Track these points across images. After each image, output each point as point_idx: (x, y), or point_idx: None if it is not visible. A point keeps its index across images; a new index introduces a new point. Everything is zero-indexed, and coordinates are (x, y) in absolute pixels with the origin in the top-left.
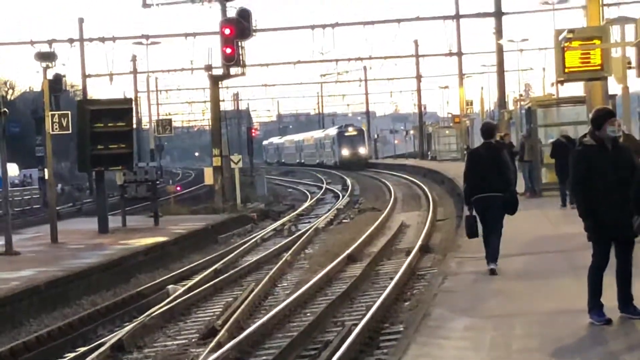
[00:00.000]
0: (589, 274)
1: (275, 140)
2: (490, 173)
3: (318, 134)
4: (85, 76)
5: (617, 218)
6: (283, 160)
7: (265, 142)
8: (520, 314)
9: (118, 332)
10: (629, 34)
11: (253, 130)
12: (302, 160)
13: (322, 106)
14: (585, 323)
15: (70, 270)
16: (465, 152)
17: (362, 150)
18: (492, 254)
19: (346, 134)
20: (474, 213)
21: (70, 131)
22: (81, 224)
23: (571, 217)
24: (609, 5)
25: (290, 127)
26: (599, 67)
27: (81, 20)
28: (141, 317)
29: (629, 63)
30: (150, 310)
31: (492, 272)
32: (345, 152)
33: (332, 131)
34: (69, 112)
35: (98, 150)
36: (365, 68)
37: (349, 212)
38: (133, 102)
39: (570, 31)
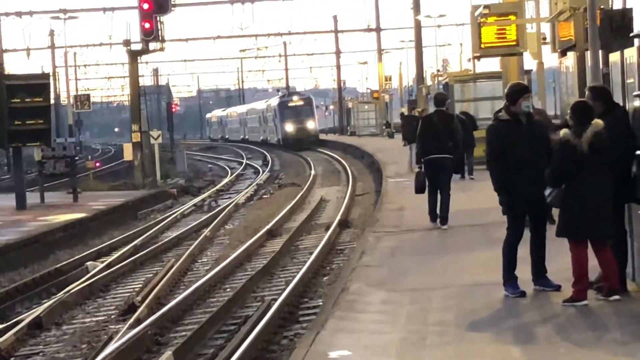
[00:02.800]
0: (503, 248)
1: (219, 112)
2: (441, 137)
3: (261, 104)
4: (1, 51)
5: (531, 192)
6: (227, 137)
7: (208, 115)
8: (437, 288)
9: (36, 309)
10: (544, 10)
11: (173, 106)
12: (247, 137)
13: (242, 82)
14: (500, 296)
15: None
16: (384, 127)
17: (311, 125)
18: (443, 212)
19: (290, 104)
20: (424, 172)
21: None
22: None
23: (487, 190)
24: None
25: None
26: (514, 43)
27: None
28: (60, 294)
29: (544, 39)
30: (69, 287)
31: (438, 226)
32: (290, 127)
33: (274, 101)
34: None
35: (15, 126)
36: (284, 43)
37: (269, 188)
38: (51, 78)
39: (486, 7)
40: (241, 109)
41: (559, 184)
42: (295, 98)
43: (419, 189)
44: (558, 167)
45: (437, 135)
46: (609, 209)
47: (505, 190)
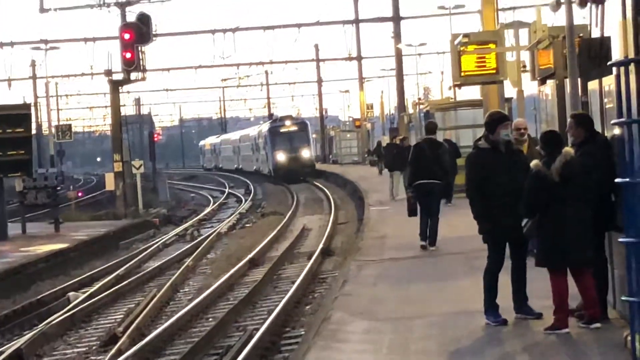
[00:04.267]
0: (484, 276)
1: (213, 139)
2: (431, 163)
3: (254, 130)
4: None
5: (511, 221)
6: (221, 166)
7: (201, 143)
8: (419, 316)
9: (17, 340)
10: (523, 38)
11: (155, 135)
12: (240, 166)
13: (224, 110)
14: (482, 324)
15: None
16: (366, 155)
17: (306, 153)
18: (432, 235)
19: (281, 129)
20: (414, 196)
21: None
22: None
23: (468, 218)
24: (504, 9)
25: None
26: (494, 71)
27: None
28: (41, 325)
29: (524, 67)
30: (51, 318)
31: (424, 247)
32: (281, 156)
33: (265, 126)
34: None
35: None
36: (266, 72)
37: (252, 217)
38: (32, 108)
39: (466, 35)
40: (235, 135)
41: (532, 214)
42: (287, 123)
43: (411, 212)
44: (530, 198)
45: (426, 161)
46: (586, 237)
47: (484, 218)
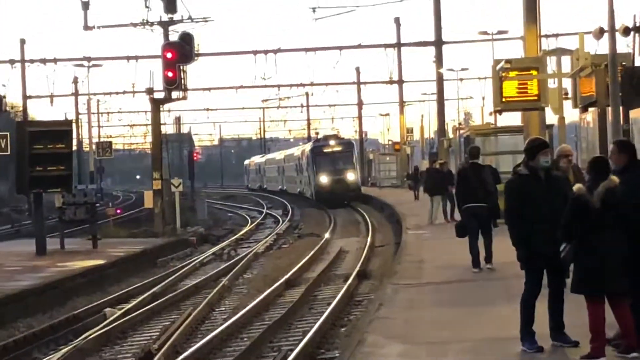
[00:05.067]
0: (521, 302)
1: (257, 159)
2: (475, 187)
3: (298, 150)
4: (25, 97)
5: (549, 247)
6: (265, 186)
7: (246, 162)
8: (454, 341)
9: (53, 355)
10: (566, 66)
11: (194, 154)
12: (284, 187)
13: (264, 131)
14: (517, 350)
15: (6, 292)
16: (405, 179)
17: (351, 176)
18: (488, 255)
19: (325, 149)
20: (463, 219)
21: (9, 152)
22: (19, 246)
23: (506, 245)
24: (547, 36)
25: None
26: (535, 98)
27: (22, 41)
28: (77, 340)
29: (565, 94)
30: (86, 333)
31: (477, 267)
32: (324, 178)
33: (308, 146)
34: (8, 134)
35: (37, 172)
36: (307, 94)
37: (289, 237)
38: (73, 124)
39: (508, 61)
40: (280, 155)
41: (571, 239)
42: (332, 142)
43: (460, 235)
44: (569, 222)
45: (471, 186)
46: (624, 264)
47: (523, 244)
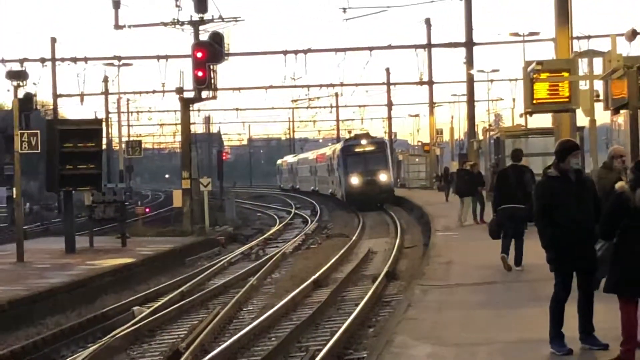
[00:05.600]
0: (550, 304)
1: (290, 158)
2: (514, 189)
3: (330, 149)
4: (56, 96)
5: (579, 250)
6: (298, 187)
7: (278, 162)
8: (483, 343)
9: (81, 353)
10: (597, 67)
11: (224, 154)
12: (317, 188)
13: (293, 131)
14: (546, 353)
15: (35, 290)
16: (434, 180)
17: (383, 177)
18: (518, 257)
19: (356, 149)
20: (498, 220)
21: (39, 150)
22: (48, 244)
23: (536, 247)
24: (578, 38)
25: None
26: (566, 99)
27: (54, 40)
28: (105, 338)
29: (597, 96)
30: (115, 331)
31: (508, 268)
32: (355, 179)
33: (339, 145)
34: (38, 132)
35: (67, 170)
36: (336, 94)
37: (317, 238)
38: (103, 123)
39: (539, 63)
40: (312, 154)
41: (609, 237)
42: (363, 142)
43: (494, 236)
44: (609, 219)
45: (510, 187)
46: None
47: (552, 247)
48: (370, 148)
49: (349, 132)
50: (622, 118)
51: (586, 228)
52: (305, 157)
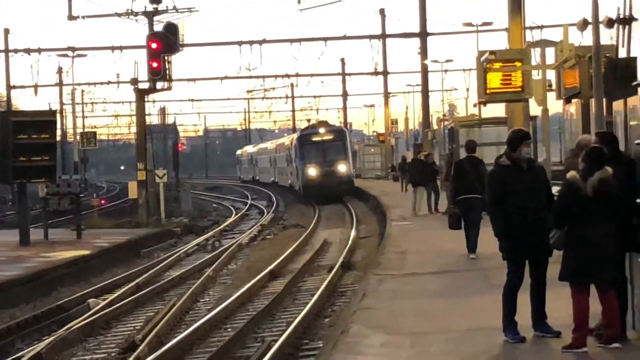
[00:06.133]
0: (503, 293)
1: (250, 149)
2: (472, 179)
3: (288, 139)
4: (9, 87)
5: (531, 238)
6: (258, 178)
7: (238, 152)
8: (437, 332)
9: (37, 345)
10: (550, 57)
11: (179, 145)
12: (276, 179)
13: (249, 122)
14: (500, 341)
15: None
16: (389, 170)
17: (342, 167)
18: (472, 245)
19: (313, 137)
20: (458, 211)
21: None
22: (2, 236)
23: (491, 235)
24: (531, 28)
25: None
26: (519, 89)
27: (7, 31)
28: (61, 330)
29: (550, 85)
30: (71, 323)
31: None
32: (312, 170)
33: (297, 134)
34: None
35: (20, 162)
36: (292, 85)
37: (273, 229)
38: (58, 115)
39: (492, 53)
40: (272, 144)
41: (561, 225)
42: (321, 130)
43: (453, 226)
44: (561, 208)
45: (468, 178)
46: (614, 254)
47: (505, 235)
48: (328, 137)
49: (308, 120)
50: (574, 107)
51: (538, 216)
52: (265, 147)
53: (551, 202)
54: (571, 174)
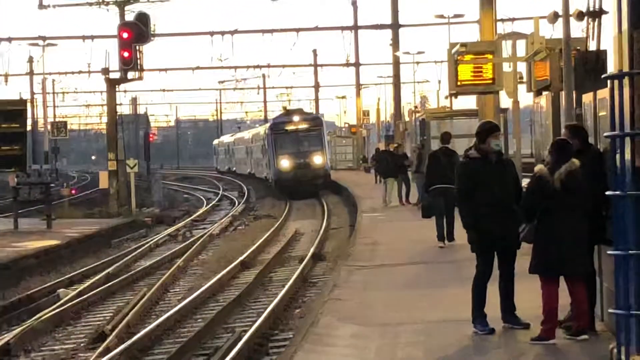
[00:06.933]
0: (473, 285)
1: (227, 138)
2: (446, 170)
3: (263, 128)
4: None
5: (500, 230)
6: (234, 169)
7: (215, 142)
8: (407, 323)
9: (5, 335)
10: (521, 50)
11: (150, 135)
12: (252, 171)
13: (221, 112)
14: (469, 332)
15: None
16: (360, 162)
17: (318, 159)
18: (449, 233)
19: (287, 126)
20: (429, 199)
21: None
22: None
23: (460, 227)
24: (502, 20)
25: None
26: (490, 81)
27: None
28: (30, 320)
29: (520, 78)
30: (40, 314)
31: (442, 247)
32: (285, 162)
33: (269, 123)
34: None
35: None
36: (263, 76)
37: (244, 219)
38: (28, 104)
39: (463, 45)
40: (248, 134)
41: (530, 219)
42: (295, 118)
43: (425, 214)
44: (530, 202)
45: (442, 168)
46: (582, 246)
47: (473, 227)
48: (303, 125)
49: (284, 107)
50: (544, 99)
51: (506, 208)
52: (242, 136)
53: (520, 195)
54: (539, 167)
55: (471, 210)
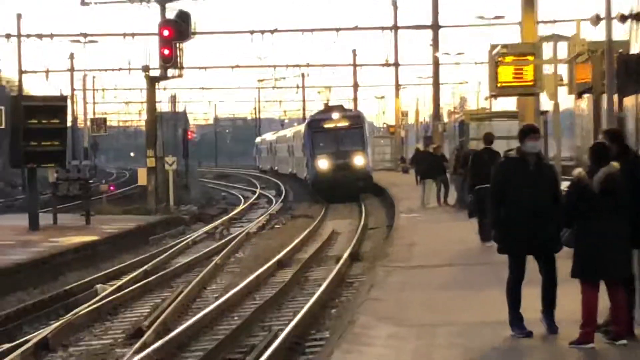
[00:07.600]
0: (507, 287)
1: (269, 136)
2: (489, 170)
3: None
4: (21, 72)
5: (527, 233)
6: (276, 168)
7: (257, 140)
8: (444, 324)
9: (44, 330)
10: (562, 52)
11: (189, 133)
12: (294, 170)
13: (259, 111)
14: (506, 335)
15: None
16: (399, 162)
17: (359, 160)
18: (489, 232)
19: (325, 124)
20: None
21: (4, 126)
22: (12, 220)
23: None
24: (544, 22)
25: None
26: (531, 83)
27: (19, 16)
28: (68, 315)
29: (561, 80)
30: (77, 309)
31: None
32: (323, 162)
33: (307, 120)
34: (3, 108)
35: (31, 147)
36: (302, 75)
37: (282, 218)
38: (69, 100)
39: (504, 46)
40: (290, 132)
41: (570, 223)
42: (335, 116)
43: (472, 215)
44: (569, 206)
45: (485, 168)
46: (623, 250)
47: (499, 227)
48: (343, 123)
49: (326, 104)
50: (585, 102)
51: (539, 213)
52: (284, 134)
53: (559, 199)
54: (577, 171)
55: (498, 209)
